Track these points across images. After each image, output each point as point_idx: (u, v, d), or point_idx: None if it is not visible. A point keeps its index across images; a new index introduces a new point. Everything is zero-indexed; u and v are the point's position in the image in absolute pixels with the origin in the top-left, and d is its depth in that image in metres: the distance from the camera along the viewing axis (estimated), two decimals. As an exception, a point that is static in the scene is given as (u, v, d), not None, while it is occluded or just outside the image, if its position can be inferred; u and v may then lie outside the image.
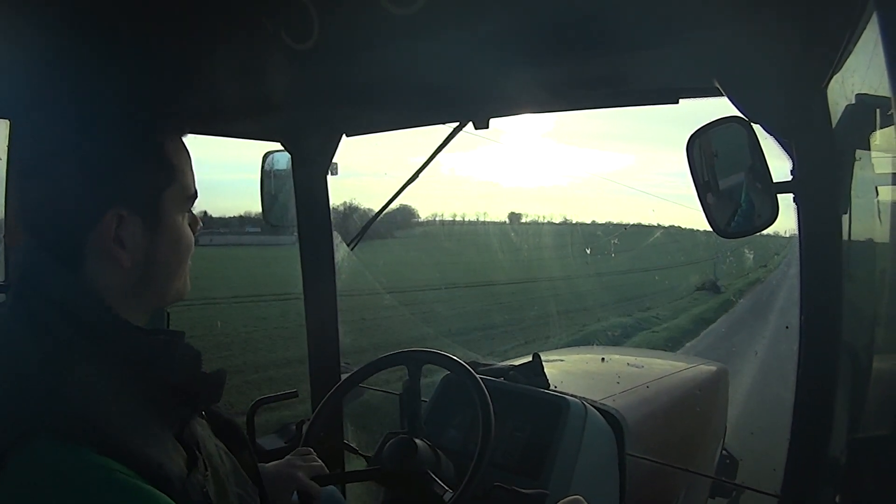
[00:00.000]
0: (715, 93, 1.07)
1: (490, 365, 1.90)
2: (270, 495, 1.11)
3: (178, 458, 0.73)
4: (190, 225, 0.84)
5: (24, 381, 0.65)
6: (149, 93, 0.81)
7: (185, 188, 0.81)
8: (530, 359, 1.80)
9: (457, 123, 1.59)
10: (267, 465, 1.17)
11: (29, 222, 0.76)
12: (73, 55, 1.03)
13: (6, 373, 0.67)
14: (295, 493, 1.18)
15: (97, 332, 0.72)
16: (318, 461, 1.24)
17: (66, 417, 0.64)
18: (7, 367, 0.67)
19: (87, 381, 0.68)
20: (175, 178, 0.79)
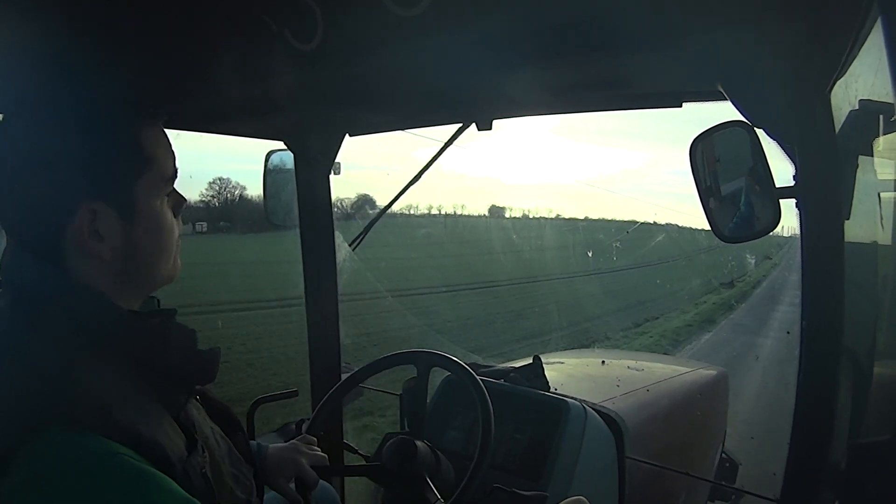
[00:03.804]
0: (718, 97, 1.07)
1: (491, 367, 1.90)
2: (270, 477, 1.13)
3: (178, 440, 0.74)
4: (174, 206, 0.83)
5: (30, 374, 0.66)
6: (124, 85, 0.80)
7: (162, 171, 0.80)
8: (531, 361, 1.80)
9: (460, 125, 1.59)
10: (270, 446, 1.18)
11: (5, 220, 0.76)
12: (72, 58, 1.03)
13: (11, 368, 0.68)
14: (293, 479, 1.18)
15: (93, 321, 0.73)
16: (320, 451, 1.25)
17: (75, 406, 0.65)
18: (11, 363, 0.68)
19: (89, 369, 0.69)
20: (150, 165, 0.78)
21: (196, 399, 0.90)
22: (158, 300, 0.89)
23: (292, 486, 1.18)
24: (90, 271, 0.75)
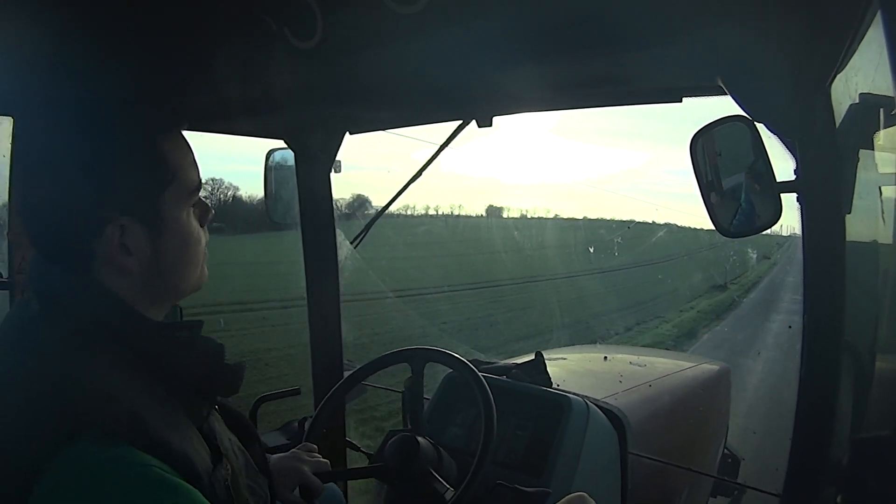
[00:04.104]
0: (718, 92, 1.07)
1: (493, 363, 1.90)
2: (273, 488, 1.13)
3: (204, 452, 0.75)
4: (200, 216, 0.84)
5: (60, 384, 0.66)
6: (141, 96, 0.80)
7: (186, 183, 0.80)
8: (533, 357, 1.80)
9: (460, 121, 1.58)
10: (272, 456, 1.18)
11: (33, 235, 0.77)
12: (74, 55, 1.03)
13: (41, 378, 0.68)
14: (297, 487, 1.18)
15: (122, 333, 0.73)
16: (321, 457, 1.25)
17: (106, 417, 0.65)
18: (41, 373, 0.68)
19: (119, 379, 0.69)
20: (174, 176, 0.78)
21: (216, 409, 0.90)
22: (181, 309, 0.89)
23: (296, 493, 1.18)
24: (119, 283, 0.75)
